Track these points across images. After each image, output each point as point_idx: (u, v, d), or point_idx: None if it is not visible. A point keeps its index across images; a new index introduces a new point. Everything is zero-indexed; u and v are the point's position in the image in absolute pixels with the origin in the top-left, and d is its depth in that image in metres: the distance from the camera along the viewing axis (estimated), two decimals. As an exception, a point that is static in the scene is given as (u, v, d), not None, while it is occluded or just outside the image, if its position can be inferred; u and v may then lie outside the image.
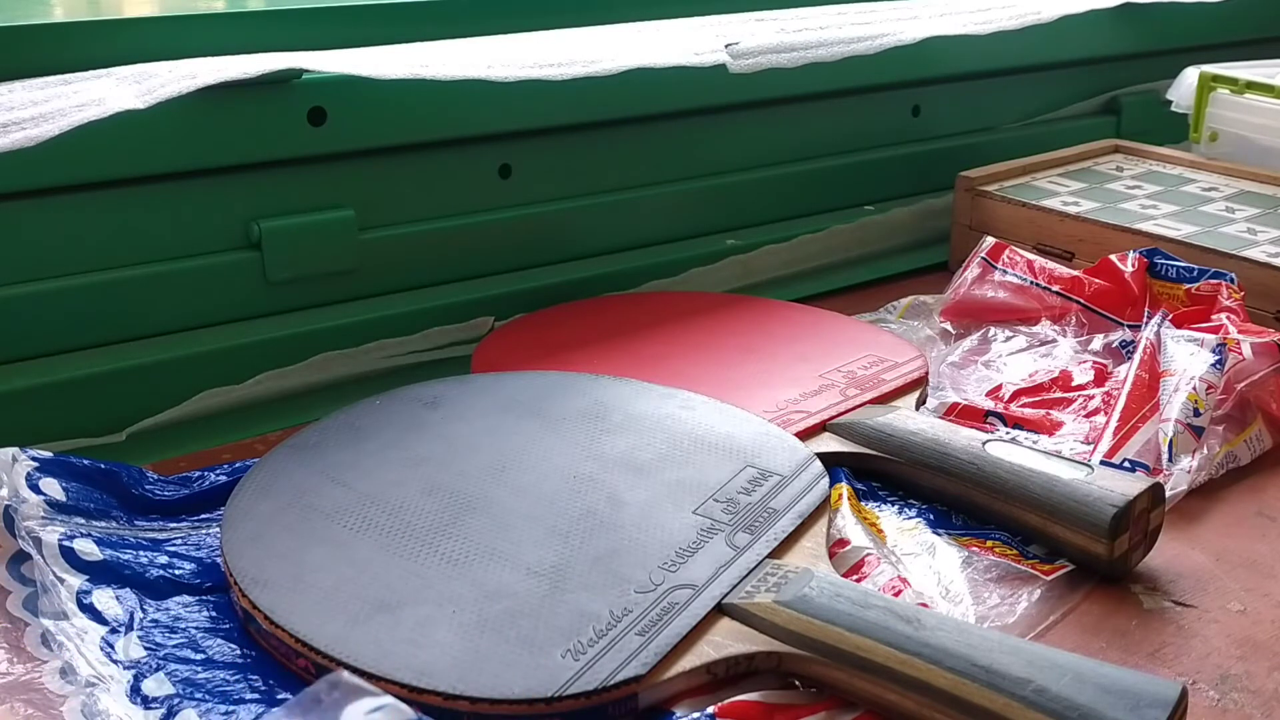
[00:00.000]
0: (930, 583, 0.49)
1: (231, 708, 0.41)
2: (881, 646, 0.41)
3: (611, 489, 0.50)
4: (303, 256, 0.65)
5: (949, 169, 0.85)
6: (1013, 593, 0.49)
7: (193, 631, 0.45)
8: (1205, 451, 0.57)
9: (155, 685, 0.41)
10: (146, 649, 0.43)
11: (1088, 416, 0.61)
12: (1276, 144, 0.87)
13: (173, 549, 0.48)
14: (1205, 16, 1.02)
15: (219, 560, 0.47)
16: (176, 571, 0.47)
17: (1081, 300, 0.70)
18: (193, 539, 0.50)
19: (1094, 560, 0.50)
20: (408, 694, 0.39)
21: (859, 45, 0.78)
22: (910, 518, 0.54)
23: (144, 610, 0.45)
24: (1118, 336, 0.68)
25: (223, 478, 0.53)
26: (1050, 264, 0.72)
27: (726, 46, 0.73)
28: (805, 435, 0.56)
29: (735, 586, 0.44)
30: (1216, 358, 0.59)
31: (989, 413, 0.61)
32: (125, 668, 0.42)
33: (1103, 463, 0.55)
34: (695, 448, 0.53)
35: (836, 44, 0.77)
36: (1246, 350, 0.60)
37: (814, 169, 0.85)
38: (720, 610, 0.44)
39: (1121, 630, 0.47)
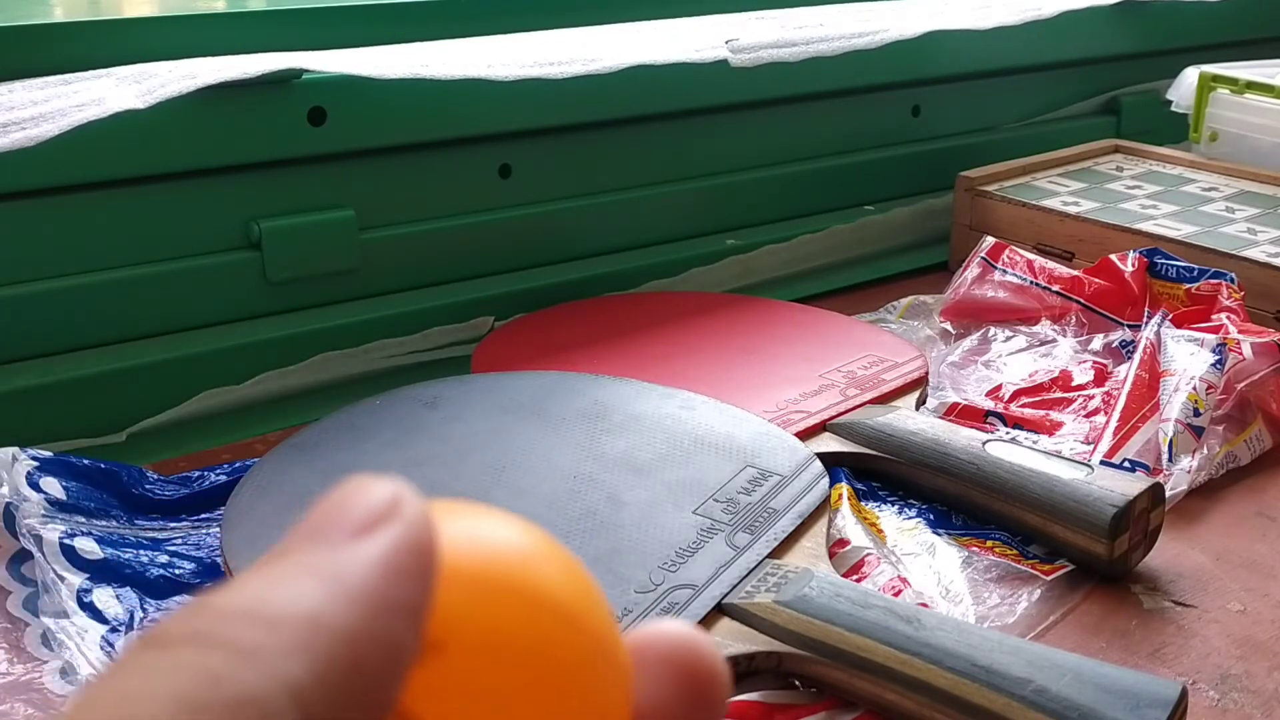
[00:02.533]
0: (930, 583, 0.49)
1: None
2: (881, 646, 0.41)
3: (611, 489, 0.50)
4: (303, 256, 0.65)
5: (949, 169, 0.85)
6: (1013, 593, 0.49)
7: (193, 631, 0.44)
8: (1205, 451, 0.57)
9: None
10: (147, 649, 0.43)
11: (1088, 416, 0.61)
12: (1276, 144, 0.87)
13: (173, 548, 0.48)
14: (1205, 16, 1.02)
15: (219, 560, 0.47)
16: (177, 571, 0.47)
17: (1081, 300, 0.70)
18: (193, 539, 0.50)
19: (1094, 560, 0.50)
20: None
21: (860, 40, 0.78)
22: (910, 518, 0.54)
23: (144, 609, 0.45)
24: (1118, 336, 0.68)
25: (223, 478, 0.53)
26: (1050, 264, 0.72)
27: (727, 42, 0.73)
28: (805, 435, 0.56)
29: (735, 586, 0.44)
30: (1216, 358, 0.59)
31: (989, 413, 0.61)
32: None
33: (1103, 463, 0.55)
34: (695, 448, 0.53)
35: (837, 39, 0.77)
36: (1246, 350, 0.60)
37: (814, 169, 0.85)
38: (720, 610, 0.44)
39: (1121, 630, 0.47)
